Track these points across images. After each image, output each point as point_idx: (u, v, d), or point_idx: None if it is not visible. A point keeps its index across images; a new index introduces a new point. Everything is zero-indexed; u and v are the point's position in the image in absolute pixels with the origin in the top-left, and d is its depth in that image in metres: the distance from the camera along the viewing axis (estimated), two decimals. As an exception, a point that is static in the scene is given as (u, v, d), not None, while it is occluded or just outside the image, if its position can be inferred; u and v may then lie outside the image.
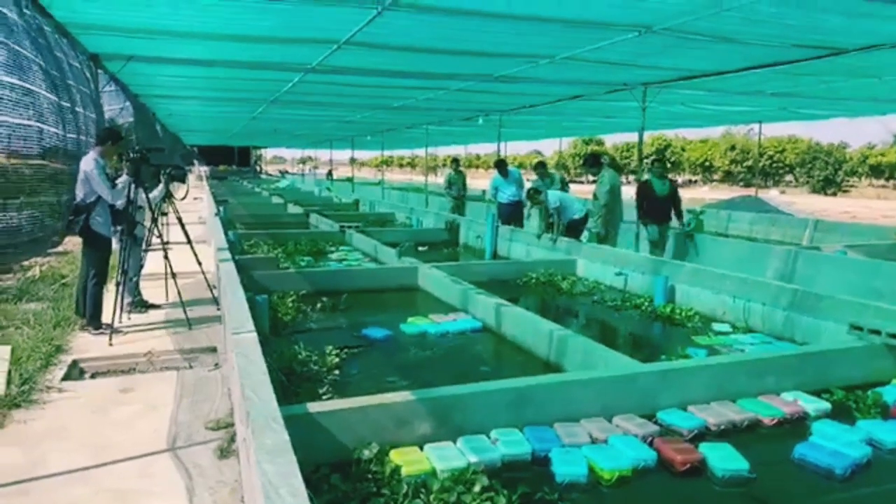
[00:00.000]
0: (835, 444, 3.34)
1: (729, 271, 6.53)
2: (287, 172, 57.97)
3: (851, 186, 46.11)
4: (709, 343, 5.42)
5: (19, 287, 6.99)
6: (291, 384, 4.16)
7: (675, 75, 8.01)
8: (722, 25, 5.37)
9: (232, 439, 3.50)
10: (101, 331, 5.49)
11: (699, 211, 12.41)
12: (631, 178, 38.87)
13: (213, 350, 5.23)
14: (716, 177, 52.35)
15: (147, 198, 6.07)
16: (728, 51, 6.31)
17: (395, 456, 3.04)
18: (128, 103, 9.55)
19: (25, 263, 7.83)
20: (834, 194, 41.83)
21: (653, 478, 3.14)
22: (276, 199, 21.87)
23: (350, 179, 32.74)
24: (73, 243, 7.22)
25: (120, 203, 5.61)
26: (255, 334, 3.55)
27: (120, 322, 5.69)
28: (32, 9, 4.57)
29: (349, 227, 11.94)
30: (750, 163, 47.04)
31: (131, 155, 5.72)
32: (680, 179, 50.38)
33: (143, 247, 6.52)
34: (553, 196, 9.32)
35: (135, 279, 6.27)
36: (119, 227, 5.84)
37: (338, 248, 11.03)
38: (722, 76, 7.63)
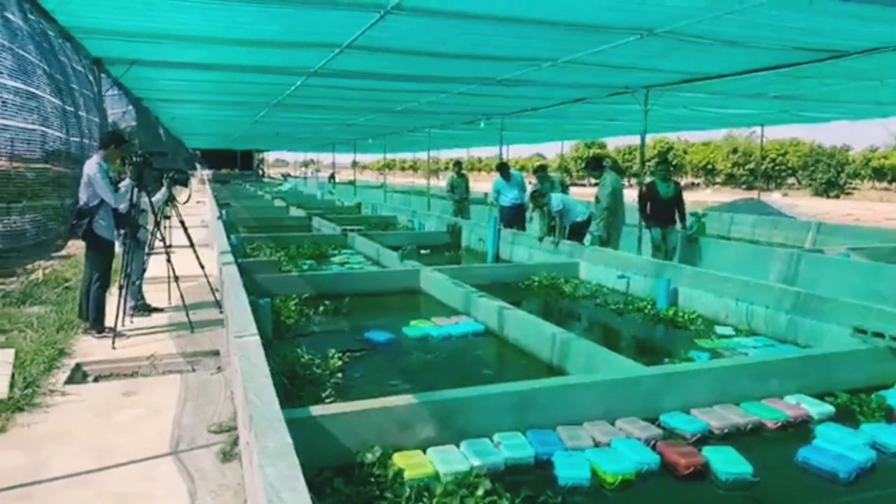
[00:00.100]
0: (839, 448, 3.33)
1: (731, 274, 6.52)
2: (289, 176, 58.04)
3: (854, 189, 46.02)
4: (712, 346, 5.42)
5: (23, 290, 7.00)
6: (294, 387, 4.16)
7: (677, 78, 8.01)
8: (723, 28, 5.37)
9: (235, 443, 3.50)
10: (104, 334, 5.50)
11: (701, 214, 12.40)
12: (633, 180, 38.88)
13: (216, 353, 5.23)
14: (718, 179, 52.28)
15: (150, 201, 6.09)
16: (730, 54, 6.31)
17: (398, 459, 3.04)
18: (130, 107, 9.57)
19: (29, 267, 7.85)
20: (836, 197, 41.75)
21: (656, 481, 3.13)
22: (278, 203, 21.89)
23: (352, 183, 32.78)
24: (77, 247, 7.23)
25: (123, 207, 5.62)
26: (257, 338, 3.56)
27: (123, 325, 5.70)
28: (37, 14, 4.59)
29: (351, 231, 11.96)
30: (752, 165, 46.94)
31: (134, 159, 5.74)
32: (682, 182, 50.29)
33: (146, 250, 6.54)
34: (556, 199, 9.33)
35: (137, 283, 6.28)
36: (122, 231, 5.85)
37: (340, 252, 11.04)
38: (724, 79, 7.62)
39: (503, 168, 11.88)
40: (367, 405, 3.24)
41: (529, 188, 11.16)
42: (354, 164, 36.17)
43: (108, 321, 5.59)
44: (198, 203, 17.45)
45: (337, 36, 5.84)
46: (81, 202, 5.41)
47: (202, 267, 6.43)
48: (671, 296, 6.75)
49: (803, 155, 46.71)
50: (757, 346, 5.42)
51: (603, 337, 6.02)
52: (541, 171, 11.41)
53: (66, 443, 3.58)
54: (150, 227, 6.48)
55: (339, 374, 4.54)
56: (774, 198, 30.82)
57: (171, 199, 6.51)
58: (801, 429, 3.72)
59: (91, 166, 5.37)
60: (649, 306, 6.74)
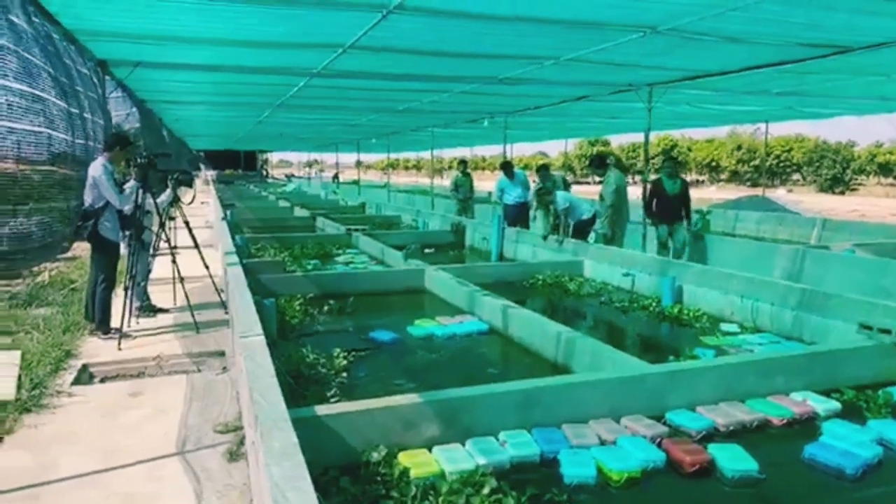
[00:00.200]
0: (845, 444, 3.32)
1: (736, 271, 6.50)
2: (293, 176, 58.10)
3: (859, 185, 45.83)
4: (717, 343, 5.40)
5: (29, 292, 7.04)
6: (299, 387, 4.17)
7: (681, 75, 7.99)
8: (727, 25, 5.35)
9: (241, 442, 3.52)
10: (110, 335, 5.52)
11: (706, 211, 12.37)
12: (637, 178, 38.74)
13: (222, 354, 5.25)
14: (722, 176, 52.14)
15: (155, 203, 6.11)
16: (733, 50, 6.29)
17: (404, 458, 3.04)
18: (134, 109, 9.60)
19: (35, 269, 7.88)
20: (842, 193, 41.57)
21: (661, 479, 3.13)
22: (282, 203, 21.93)
23: (356, 182, 32.81)
24: (82, 249, 7.26)
25: (128, 208, 5.65)
26: (262, 338, 3.56)
27: (129, 326, 5.72)
28: (41, 16, 4.61)
29: (355, 230, 11.97)
30: (757, 162, 46.82)
31: (139, 160, 5.76)
32: (687, 179, 50.23)
33: (151, 251, 6.56)
34: (562, 197, 9.33)
35: (143, 284, 6.31)
36: (127, 232, 5.88)
37: (344, 251, 11.05)
38: (727, 76, 7.59)
39: (507, 167, 11.89)
40: (372, 404, 3.24)
41: (533, 186, 11.16)
42: (358, 163, 36.17)
43: (114, 322, 5.62)
44: (202, 204, 17.50)
45: (340, 36, 5.85)
46: (87, 204, 5.43)
47: (207, 267, 6.45)
48: (676, 293, 6.74)
49: (808, 151, 46.53)
50: (762, 342, 5.40)
51: (608, 335, 6.01)
52: (543, 170, 11.41)
53: (72, 443, 3.60)
54: (155, 228, 6.50)
55: (344, 374, 4.55)
56: (779, 194, 30.65)
57: (175, 201, 6.54)
58: (807, 426, 3.71)
59: (96, 168, 5.39)
60: (654, 304, 6.72)
